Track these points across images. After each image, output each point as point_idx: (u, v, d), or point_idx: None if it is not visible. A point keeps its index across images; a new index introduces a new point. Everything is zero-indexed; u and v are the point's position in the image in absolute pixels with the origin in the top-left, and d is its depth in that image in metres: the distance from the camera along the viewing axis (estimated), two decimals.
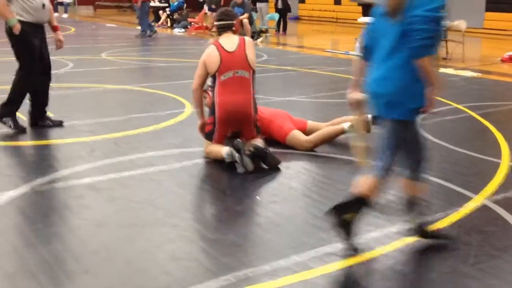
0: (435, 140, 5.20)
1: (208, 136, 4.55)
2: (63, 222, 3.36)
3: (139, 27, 15.27)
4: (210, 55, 4.46)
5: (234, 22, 4.59)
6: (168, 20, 18.43)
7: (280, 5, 16.06)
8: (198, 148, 4.76)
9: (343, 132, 4.90)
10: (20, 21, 5.08)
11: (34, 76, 5.24)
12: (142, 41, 14.24)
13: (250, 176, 4.21)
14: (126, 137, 5.18)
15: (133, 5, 15.06)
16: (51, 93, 5.61)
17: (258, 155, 4.30)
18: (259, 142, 4.49)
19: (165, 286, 2.65)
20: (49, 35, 5.58)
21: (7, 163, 4.42)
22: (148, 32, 14.83)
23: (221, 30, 4.56)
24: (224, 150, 4.33)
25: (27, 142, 4.96)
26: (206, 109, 4.67)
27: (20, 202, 3.62)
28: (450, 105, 6.74)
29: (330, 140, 4.95)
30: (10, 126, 5.17)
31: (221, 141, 4.51)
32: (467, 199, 3.77)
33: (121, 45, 13.02)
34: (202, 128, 4.64)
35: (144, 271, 2.76)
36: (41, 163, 4.44)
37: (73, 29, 17.16)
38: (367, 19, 12.69)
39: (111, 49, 11.94)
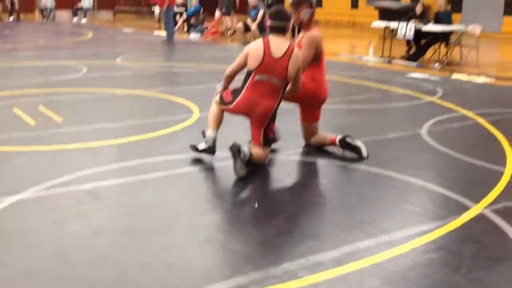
0: (441, 148, 5.16)
1: (221, 100, 4.62)
2: (60, 228, 3.41)
3: (165, 32, 15.46)
4: (255, 50, 4.45)
5: (288, 25, 4.51)
6: (185, 24, 18.57)
7: None
8: (202, 154, 4.79)
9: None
10: None
11: None
12: (157, 46, 14.37)
13: (251, 182, 4.22)
14: (131, 143, 5.24)
15: (152, 9, 15.23)
16: (64, 98, 5.69)
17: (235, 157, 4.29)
18: (257, 152, 4.46)
19: None
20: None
21: (9, 167, 4.49)
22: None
23: (273, 30, 4.51)
24: (211, 131, 4.60)
25: (33, 147, 5.04)
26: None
27: (19, 208, 3.68)
28: (459, 112, 6.68)
29: (324, 145, 5.06)
30: None
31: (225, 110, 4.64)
32: (466, 208, 3.74)
33: (137, 50, 13.15)
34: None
35: (139, 280, 2.78)
36: (44, 168, 4.50)
37: (90, 34, 17.39)
38: (382, 24, 12.66)
39: (126, 54, 12.06)
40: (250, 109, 4.49)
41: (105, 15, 26.15)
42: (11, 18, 22.35)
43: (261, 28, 14.05)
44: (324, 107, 5.23)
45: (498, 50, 15.23)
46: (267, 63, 4.40)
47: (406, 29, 11.11)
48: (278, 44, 4.44)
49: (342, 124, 6.15)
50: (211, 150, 4.66)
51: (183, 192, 4.06)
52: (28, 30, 19.15)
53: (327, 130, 5.80)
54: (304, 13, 4.84)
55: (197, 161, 4.68)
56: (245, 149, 4.34)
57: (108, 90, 7.90)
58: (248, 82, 4.49)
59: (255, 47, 4.47)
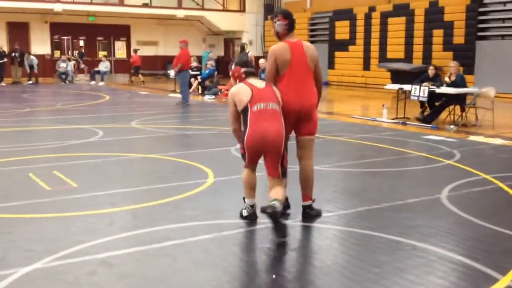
0: (461, 214, 5.03)
1: (243, 158, 4.83)
2: None
3: (179, 95, 15.68)
4: (239, 90, 4.74)
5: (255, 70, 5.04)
6: (199, 87, 18.87)
7: None
8: (217, 221, 4.71)
9: None
10: None
11: None
12: (172, 109, 14.54)
13: (267, 251, 4.11)
14: (145, 209, 5.17)
15: (167, 73, 15.58)
16: (79, 162, 5.68)
17: (272, 218, 4.32)
18: (280, 193, 4.56)
19: None
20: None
21: (21, 237, 4.43)
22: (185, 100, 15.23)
23: (248, 75, 4.87)
24: (249, 201, 4.77)
25: (46, 214, 4.99)
26: None
27: (31, 280, 3.59)
28: (478, 175, 6.56)
29: None
30: None
31: (251, 163, 4.77)
32: (493, 280, 3.58)
33: (152, 113, 13.30)
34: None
35: None
36: (57, 237, 4.43)
37: (107, 96, 17.69)
38: (395, 86, 12.75)
39: (141, 117, 12.20)
40: (263, 138, 4.59)
41: (122, 78, 26.70)
42: (30, 82, 22.89)
43: None
44: (338, 169, 5.16)
45: None
46: (257, 93, 4.66)
47: (419, 91, 11.15)
48: (257, 81, 4.82)
49: (358, 187, 6.05)
50: (253, 216, 4.80)
51: (198, 262, 3.95)
52: (46, 93, 19.56)
53: (343, 194, 5.71)
54: (278, 25, 5.00)
55: (212, 228, 4.59)
56: (276, 205, 4.35)
57: (123, 154, 7.92)
58: (248, 117, 4.65)
59: (238, 88, 4.75)
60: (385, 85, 20.20)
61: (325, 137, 9.42)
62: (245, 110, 4.67)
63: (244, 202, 4.92)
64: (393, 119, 11.81)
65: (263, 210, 4.34)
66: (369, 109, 14.55)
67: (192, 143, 9.18)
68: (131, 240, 4.34)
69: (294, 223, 4.79)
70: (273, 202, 4.39)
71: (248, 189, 4.81)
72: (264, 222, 4.63)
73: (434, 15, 19.63)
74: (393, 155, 7.99)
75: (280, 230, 4.34)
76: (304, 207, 4.97)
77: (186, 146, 8.87)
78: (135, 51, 24.68)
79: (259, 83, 4.80)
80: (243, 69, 4.89)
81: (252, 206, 4.80)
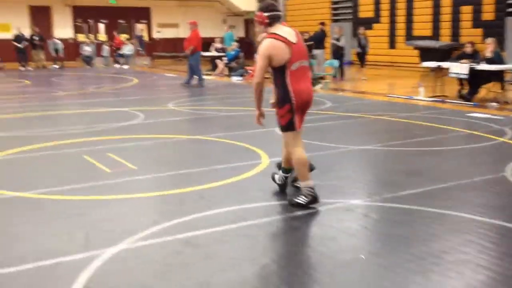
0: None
1: (290, 126, 4.62)
2: (167, 280, 3.31)
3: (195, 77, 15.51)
4: (276, 48, 4.46)
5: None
6: (225, 68, 18.80)
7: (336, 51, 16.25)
8: (283, 202, 4.69)
9: None
10: None
11: None
12: (203, 91, 14.50)
13: (349, 229, 4.09)
14: (210, 190, 5.16)
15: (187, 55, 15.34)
16: (130, 144, 5.67)
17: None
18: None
19: None
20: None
21: (97, 218, 4.45)
22: (191, 81, 15.09)
23: (274, 20, 4.57)
24: (309, 183, 4.61)
25: (114, 195, 5.00)
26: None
27: (121, 260, 3.61)
28: None
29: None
30: None
31: (300, 126, 4.66)
32: None
33: (185, 95, 13.29)
34: (259, 117, 4.81)
35: None
36: (132, 218, 4.45)
37: (135, 79, 17.69)
38: (432, 64, 12.58)
39: (176, 99, 12.18)
40: (308, 96, 4.61)
41: (141, 61, 26.62)
42: (56, 66, 22.96)
43: None
44: (393, 149, 5.09)
45: None
46: (294, 50, 4.49)
47: (459, 68, 10.98)
48: (285, 31, 4.56)
49: (419, 168, 5.95)
50: (316, 199, 4.61)
51: (277, 238, 3.93)
52: (74, 77, 19.60)
53: (405, 175, 5.63)
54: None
55: (283, 209, 4.57)
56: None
57: (169, 136, 7.91)
58: (287, 75, 4.50)
59: (274, 46, 4.45)
60: (412, 63, 20.14)
61: (368, 116, 9.34)
62: (281, 68, 4.50)
63: (298, 187, 4.78)
64: (430, 97, 11.66)
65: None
66: (401, 88, 14.38)
67: (233, 124, 9.13)
68: (206, 221, 4.34)
69: (370, 203, 4.76)
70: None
71: (305, 169, 4.64)
72: (330, 202, 4.62)
73: None
74: (443, 133, 7.89)
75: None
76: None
77: (228, 127, 8.82)
78: (118, 34, 24.71)
79: (290, 35, 4.52)
80: (265, 14, 4.57)
81: (313, 188, 4.61)
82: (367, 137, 7.75)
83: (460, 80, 11.59)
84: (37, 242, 3.95)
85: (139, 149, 7.05)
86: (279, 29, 4.55)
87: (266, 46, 4.50)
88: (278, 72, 4.54)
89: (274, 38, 4.49)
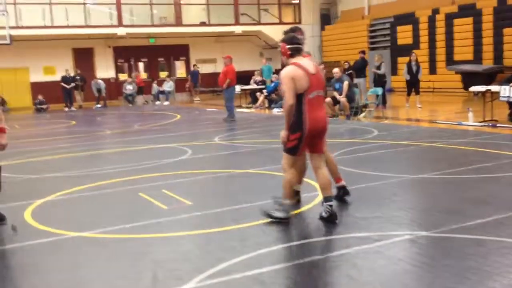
0: None
1: (293, 151, 5.01)
2: None
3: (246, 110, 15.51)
4: (296, 73, 4.80)
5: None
6: (265, 101, 18.89)
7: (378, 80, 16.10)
8: (351, 235, 4.58)
9: None
10: None
11: None
12: (246, 124, 14.54)
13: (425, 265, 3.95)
14: (272, 224, 5.06)
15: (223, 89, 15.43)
16: (182, 180, 5.68)
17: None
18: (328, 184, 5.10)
19: None
20: None
21: (162, 256, 4.42)
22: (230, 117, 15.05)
23: (295, 52, 4.95)
24: (292, 202, 5.15)
25: (176, 233, 4.99)
26: None
27: None
28: None
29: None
30: None
31: (301, 153, 5.13)
32: None
33: (229, 129, 13.36)
34: (286, 139, 5.00)
35: None
36: (198, 255, 4.42)
37: (178, 115, 17.92)
38: (481, 88, 12.32)
39: (221, 133, 12.25)
40: (322, 125, 4.96)
41: (181, 96, 27.00)
42: (99, 105, 23.52)
43: (349, 99, 14.01)
44: (450, 177, 4.94)
45: None
46: (312, 81, 4.82)
47: (510, 91, 10.74)
48: (306, 62, 4.92)
49: (481, 196, 5.73)
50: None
51: (351, 276, 3.82)
52: (118, 116, 20.01)
53: (469, 204, 5.44)
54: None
55: (360, 240, 4.46)
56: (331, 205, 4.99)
57: (221, 170, 7.91)
58: (304, 104, 4.79)
59: (295, 71, 4.80)
60: (454, 88, 19.81)
61: (420, 144, 9.16)
62: (298, 96, 4.77)
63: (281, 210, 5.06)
64: (480, 121, 11.40)
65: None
66: (445, 113, 14.12)
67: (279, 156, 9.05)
68: (272, 256, 4.27)
69: (438, 234, 4.60)
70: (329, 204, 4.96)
71: (291, 190, 5.11)
72: (397, 235, 4.48)
73: (504, 13, 19.01)
74: (503, 159, 7.64)
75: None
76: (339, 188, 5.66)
77: (278, 160, 8.74)
78: (137, 72, 25.31)
79: (310, 65, 4.87)
80: (288, 46, 4.93)
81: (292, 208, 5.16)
82: (421, 165, 7.59)
83: (510, 104, 11.31)
84: (106, 283, 3.94)
85: (193, 185, 7.06)
86: (300, 60, 4.93)
87: (288, 70, 4.86)
88: (296, 99, 4.81)
89: (296, 66, 4.84)
